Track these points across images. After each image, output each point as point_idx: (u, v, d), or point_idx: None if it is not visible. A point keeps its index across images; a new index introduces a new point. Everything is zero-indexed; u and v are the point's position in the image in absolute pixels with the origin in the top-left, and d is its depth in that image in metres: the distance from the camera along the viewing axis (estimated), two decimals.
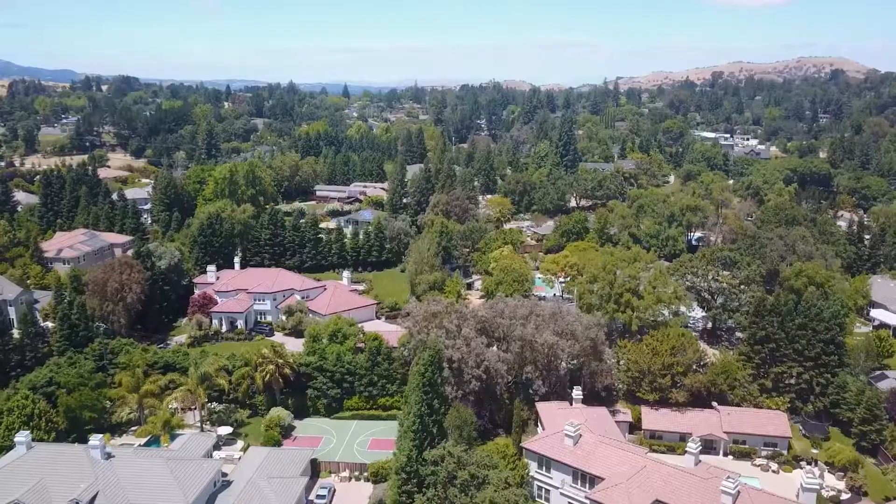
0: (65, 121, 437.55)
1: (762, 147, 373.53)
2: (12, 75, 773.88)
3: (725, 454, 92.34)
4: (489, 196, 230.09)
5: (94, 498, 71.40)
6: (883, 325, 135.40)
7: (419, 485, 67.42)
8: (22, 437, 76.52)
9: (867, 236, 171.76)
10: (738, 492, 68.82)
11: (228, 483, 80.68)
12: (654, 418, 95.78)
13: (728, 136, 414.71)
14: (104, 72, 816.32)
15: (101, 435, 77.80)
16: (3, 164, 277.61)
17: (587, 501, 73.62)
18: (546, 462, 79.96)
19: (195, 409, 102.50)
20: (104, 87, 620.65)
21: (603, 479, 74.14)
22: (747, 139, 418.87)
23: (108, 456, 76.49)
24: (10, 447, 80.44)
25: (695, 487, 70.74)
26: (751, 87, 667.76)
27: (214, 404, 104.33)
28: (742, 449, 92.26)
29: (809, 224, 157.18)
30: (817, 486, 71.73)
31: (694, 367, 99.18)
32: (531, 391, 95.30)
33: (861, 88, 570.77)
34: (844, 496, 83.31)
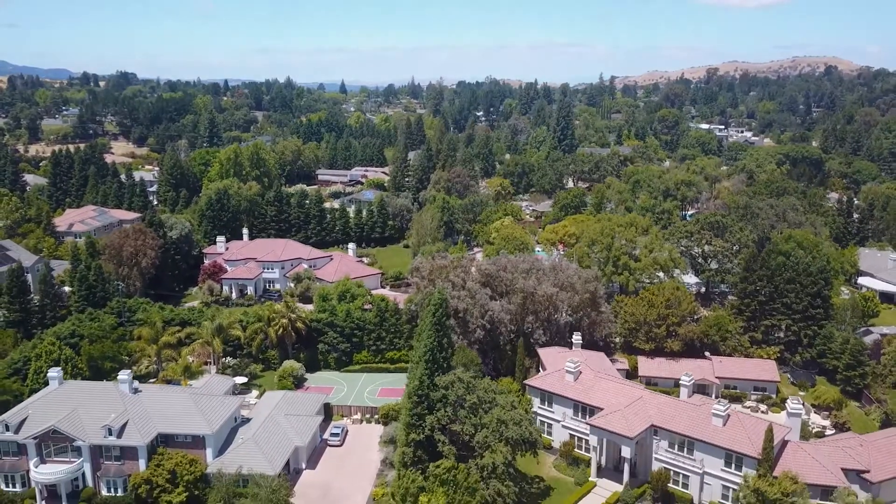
0: (66, 112, 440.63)
1: (756, 139, 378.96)
2: (8, 73, 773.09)
3: (717, 398, 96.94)
4: (488, 179, 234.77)
5: (124, 425, 76.09)
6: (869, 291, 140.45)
7: (429, 408, 72.01)
8: (54, 372, 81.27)
9: (856, 215, 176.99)
10: (728, 415, 73.88)
11: (248, 420, 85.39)
12: (650, 366, 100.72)
13: (722, 127, 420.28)
14: (100, 71, 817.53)
15: (129, 370, 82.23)
16: (8, 150, 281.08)
17: (588, 429, 78.42)
18: (548, 397, 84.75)
19: (210, 363, 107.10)
20: (101, 84, 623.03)
21: (602, 410, 78.94)
22: (741, 131, 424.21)
23: (136, 391, 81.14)
24: (38, 391, 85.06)
25: (688, 413, 75.71)
26: (746, 83, 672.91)
27: (229, 359, 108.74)
28: (733, 393, 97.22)
29: (800, 196, 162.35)
30: (801, 411, 76.61)
31: (688, 319, 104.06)
32: (532, 340, 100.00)
33: (854, 84, 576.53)
34: (829, 432, 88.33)
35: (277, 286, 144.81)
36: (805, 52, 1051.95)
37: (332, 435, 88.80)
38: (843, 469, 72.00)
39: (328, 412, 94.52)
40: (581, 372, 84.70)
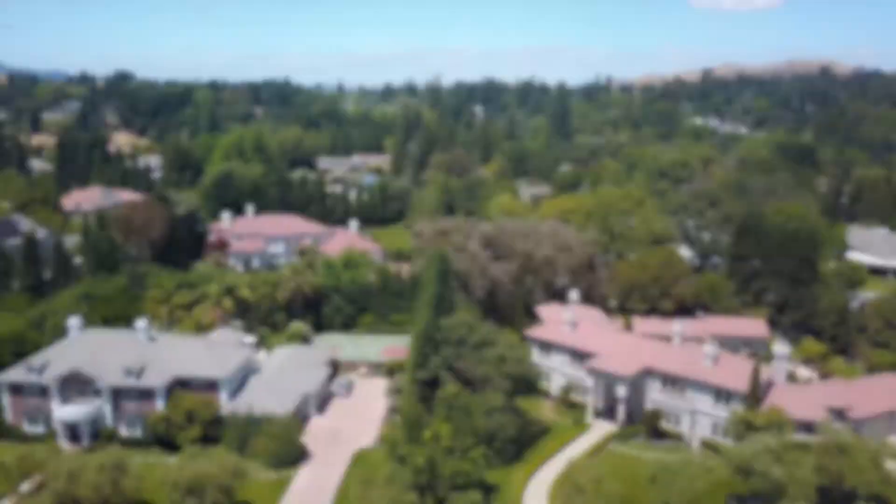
0: (66, 106, 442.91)
1: (751, 135, 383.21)
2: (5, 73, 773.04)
3: None
4: (486, 165, 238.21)
5: (143, 368, 79.70)
6: None
7: (435, 349, 75.83)
8: (74, 320, 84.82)
9: (845, 200, 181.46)
10: (718, 355, 77.82)
11: (259, 370, 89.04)
12: (644, 325, 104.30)
13: (718, 122, 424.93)
14: (97, 72, 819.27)
15: (146, 318, 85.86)
16: (13, 137, 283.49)
17: (585, 373, 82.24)
18: (547, 347, 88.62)
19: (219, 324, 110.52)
20: (100, 83, 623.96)
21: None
22: (737, 128, 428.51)
23: (153, 338, 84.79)
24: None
25: (679, 355, 79.76)
26: (741, 82, 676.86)
27: (237, 322, 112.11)
28: None
29: (790, 174, 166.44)
30: (787, 354, 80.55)
31: (681, 280, 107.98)
32: (531, 300, 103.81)
33: (849, 83, 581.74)
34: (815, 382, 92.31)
35: (282, 260, 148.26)
36: (801, 55, 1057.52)
37: (340, 386, 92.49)
38: (826, 408, 75.88)
39: (335, 367, 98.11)
40: (578, 322, 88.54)
